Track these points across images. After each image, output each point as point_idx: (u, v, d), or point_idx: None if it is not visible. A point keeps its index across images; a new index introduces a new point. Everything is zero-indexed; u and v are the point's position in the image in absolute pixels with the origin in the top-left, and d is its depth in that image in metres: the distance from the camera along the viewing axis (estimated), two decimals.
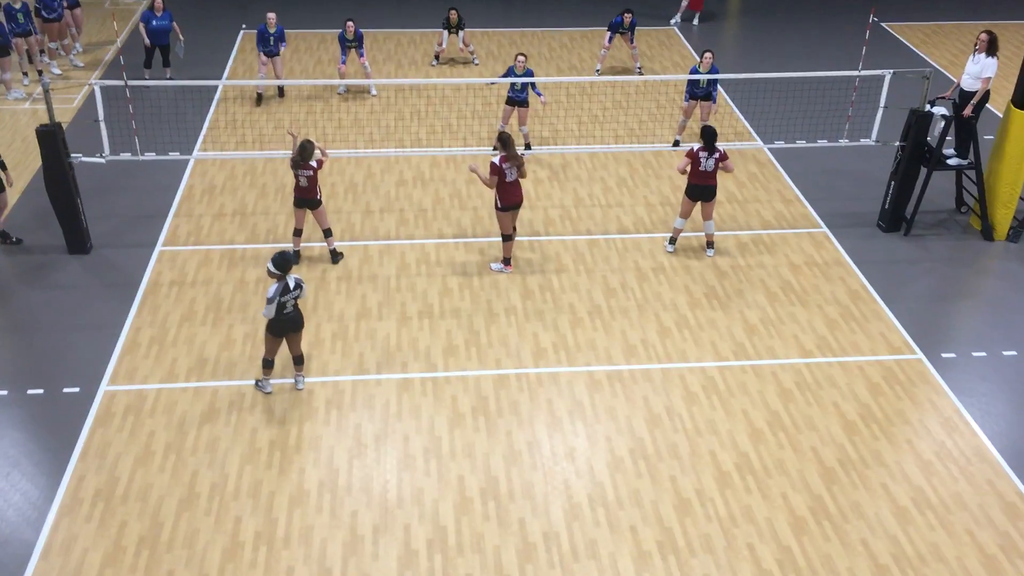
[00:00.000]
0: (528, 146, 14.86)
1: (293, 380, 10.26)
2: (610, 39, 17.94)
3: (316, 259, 12.40)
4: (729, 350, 10.94)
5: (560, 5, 22.48)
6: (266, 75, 16.75)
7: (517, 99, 14.63)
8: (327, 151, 12.17)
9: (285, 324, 9.73)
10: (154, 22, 16.93)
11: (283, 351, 10.10)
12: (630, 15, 17.88)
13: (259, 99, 16.61)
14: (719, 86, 14.89)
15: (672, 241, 12.63)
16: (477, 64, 18.75)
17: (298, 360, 10.10)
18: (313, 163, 11.61)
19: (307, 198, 11.85)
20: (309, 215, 12.20)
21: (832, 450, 9.55)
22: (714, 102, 14.82)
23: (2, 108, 16.55)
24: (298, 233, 12.20)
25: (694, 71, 14.63)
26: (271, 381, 10.20)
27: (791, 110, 15.30)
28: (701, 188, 12.15)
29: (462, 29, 18.50)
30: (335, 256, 12.32)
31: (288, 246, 12.52)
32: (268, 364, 10.03)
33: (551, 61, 19.04)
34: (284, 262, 9.46)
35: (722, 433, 9.75)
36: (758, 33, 21.11)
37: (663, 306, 11.67)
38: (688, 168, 12.08)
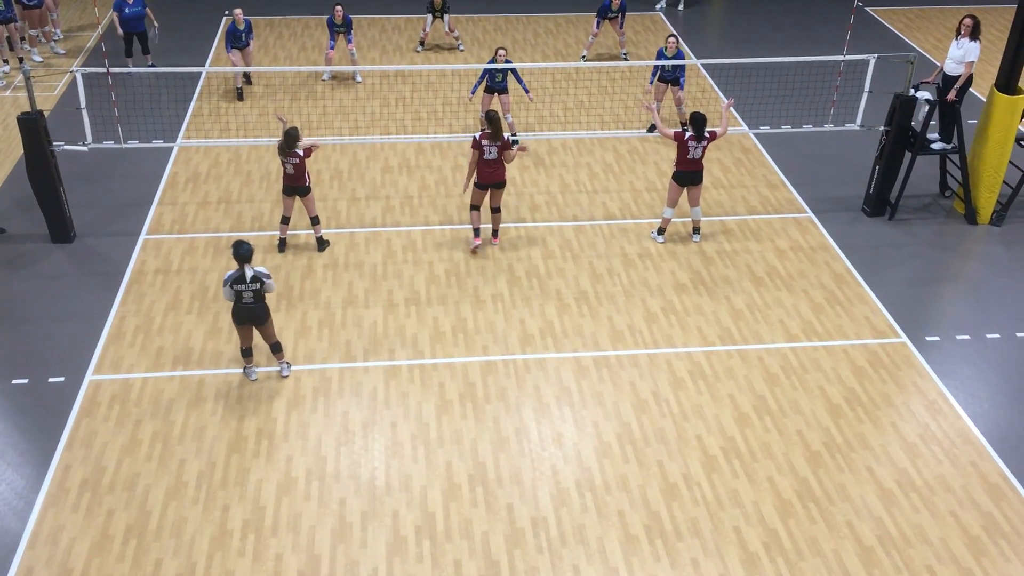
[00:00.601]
0: (513, 135, 14.85)
1: (278, 368, 10.25)
2: (598, 24, 17.82)
3: (302, 247, 12.36)
4: (715, 335, 10.99)
5: None
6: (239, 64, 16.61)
7: (497, 88, 14.59)
8: (319, 142, 12.04)
9: (243, 314, 9.70)
10: (127, 10, 16.60)
11: (261, 339, 10.08)
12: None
13: (240, 94, 16.31)
14: (684, 71, 14.98)
15: (661, 231, 12.62)
16: (462, 50, 18.67)
17: (274, 349, 10.10)
18: (299, 151, 11.54)
19: (295, 185, 11.79)
20: (297, 202, 12.14)
21: (818, 433, 9.62)
22: (681, 88, 14.90)
23: None
24: (285, 221, 12.14)
25: (660, 54, 14.71)
26: (255, 369, 10.18)
27: (776, 95, 15.32)
28: (689, 174, 12.16)
29: (447, 13, 18.38)
30: (321, 244, 12.28)
31: (275, 234, 12.47)
32: (245, 352, 10.03)
33: (536, 47, 18.98)
34: (237, 252, 9.45)
35: (708, 418, 9.80)
36: (743, 18, 21.10)
37: (649, 291, 11.69)
38: (668, 131, 12.12)
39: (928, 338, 11.05)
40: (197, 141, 14.81)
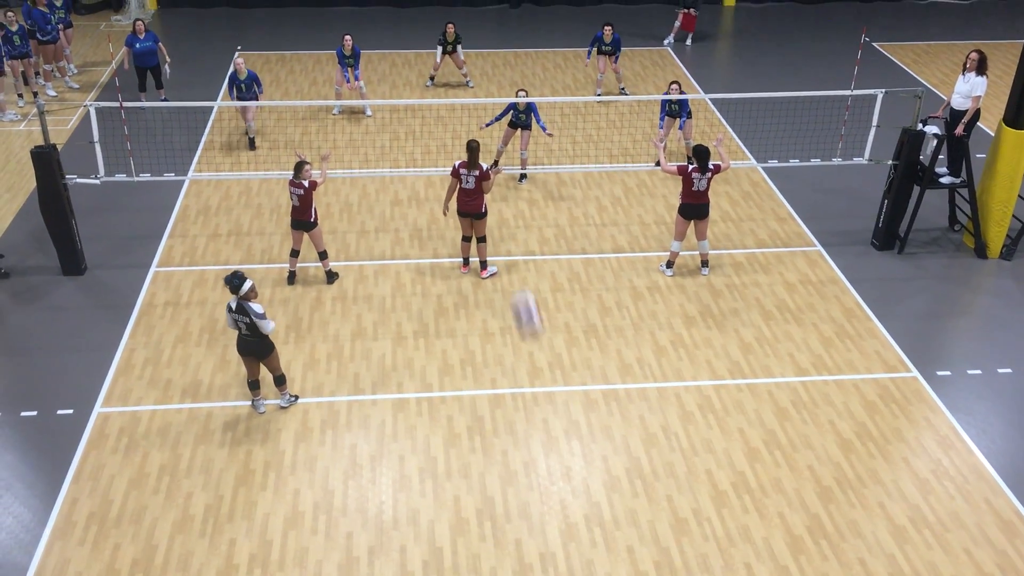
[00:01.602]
0: (524, 174, 14.91)
1: (277, 401, 10.26)
2: (589, 54, 18.08)
3: (311, 279, 12.39)
4: (725, 369, 10.94)
5: (554, 26, 22.62)
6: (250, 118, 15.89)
7: (519, 123, 14.68)
8: (326, 173, 12.13)
9: (242, 346, 9.79)
10: (138, 45, 16.77)
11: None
12: (610, 29, 17.70)
13: (252, 143, 15.81)
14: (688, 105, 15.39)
15: (669, 264, 12.63)
16: (471, 87, 18.81)
17: (277, 381, 10.10)
18: (304, 182, 11.61)
19: (299, 219, 11.86)
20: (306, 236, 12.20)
21: (828, 469, 9.54)
22: (689, 118, 15.05)
23: None
24: (295, 254, 12.19)
25: (664, 100, 14.78)
26: (263, 402, 10.18)
27: (784, 129, 15.37)
28: (695, 207, 12.18)
29: (459, 44, 18.39)
30: (330, 277, 12.31)
31: (285, 266, 12.52)
32: (252, 385, 10.04)
33: (545, 82, 19.13)
34: (226, 281, 9.55)
35: (718, 452, 9.73)
36: (751, 53, 21.25)
37: (658, 325, 11.67)
38: (671, 167, 12.14)
39: (939, 372, 10.99)
40: (208, 175, 14.92)
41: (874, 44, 21.46)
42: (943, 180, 13.39)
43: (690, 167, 12.00)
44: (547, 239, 13.46)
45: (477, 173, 11.81)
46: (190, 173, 15.00)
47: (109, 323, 11.53)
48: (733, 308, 12.03)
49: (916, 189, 13.16)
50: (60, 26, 18.07)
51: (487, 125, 14.86)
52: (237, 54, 16.17)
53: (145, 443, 9.71)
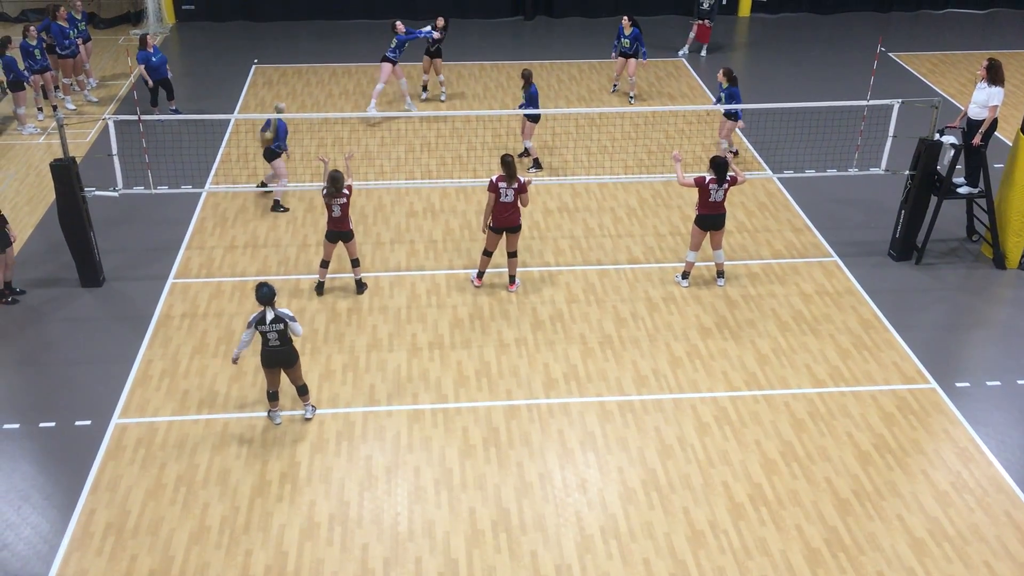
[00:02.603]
0: (534, 161, 15.35)
1: (301, 412, 10.26)
2: (614, 48, 18.46)
3: (328, 289, 12.43)
4: (741, 380, 10.90)
5: (569, 38, 22.66)
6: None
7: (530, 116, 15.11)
8: (351, 175, 12.26)
9: (270, 357, 9.77)
10: (153, 59, 17.11)
11: (288, 383, 10.10)
12: (628, 20, 17.93)
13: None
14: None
15: (685, 275, 12.60)
16: (443, 101, 18.52)
17: (300, 391, 10.14)
18: (346, 191, 11.69)
19: (340, 230, 11.89)
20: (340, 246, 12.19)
21: (846, 481, 9.47)
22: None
23: (17, 143, 16.73)
24: (325, 265, 12.22)
25: (719, 87, 15.43)
26: (280, 413, 10.20)
27: (800, 140, 15.34)
28: (712, 218, 12.15)
29: (442, 40, 17.80)
30: (360, 286, 12.33)
31: (301, 277, 12.56)
32: (271, 396, 10.07)
33: (559, 93, 19.16)
34: (259, 294, 9.56)
35: (735, 464, 9.68)
36: (766, 64, 21.22)
37: (674, 336, 11.64)
38: (688, 179, 12.12)
39: (958, 384, 10.90)
40: (225, 187, 15.01)
41: (890, 54, 21.39)
42: (961, 190, 13.31)
43: (707, 178, 11.98)
44: (562, 250, 13.46)
45: (516, 186, 11.74)
46: (207, 185, 15.10)
47: (127, 334, 11.60)
48: (749, 319, 11.98)
49: (933, 199, 13.09)
50: (79, 40, 18.24)
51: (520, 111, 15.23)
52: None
53: (162, 454, 9.75)
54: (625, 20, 17.96)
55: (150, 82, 17.18)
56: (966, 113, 13.54)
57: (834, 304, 12.32)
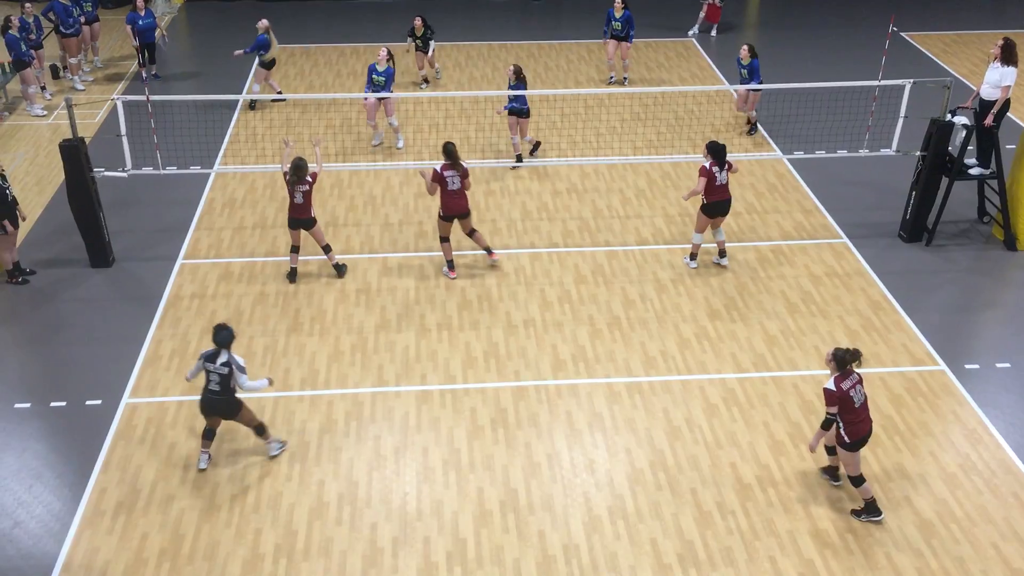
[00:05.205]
0: (519, 157, 14.88)
1: (269, 446, 9.47)
2: (605, 33, 18.01)
3: (334, 273, 12.43)
4: (749, 361, 10.89)
5: (578, 18, 22.52)
6: (261, 89, 17.06)
7: (515, 110, 14.65)
8: (321, 162, 12.18)
9: (207, 403, 8.97)
10: (140, 22, 17.58)
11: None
12: (621, 3, 17.58)
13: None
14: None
15: (693, 256, 12.57)
16: (424, 88, 18.05)
17: (258, 431, 9.31)
18: (309, 178, 11.67)
19: (301, 217, 11.82)
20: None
21: None
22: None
23: (26, 123, 16.75)
24: (295, 250, 12.20)
25: (738, 62, 15.65)
26: (208, 455, 9.30)
27: (810, 121, 15.24)
28: (720, 204, 12.02)
29: (431, 40, 17.54)
30: (339, 270, 12.32)
31: (313, 259, 12.57)
32: (206, 433, 9.25)
33: (568, 73, 19.07)
34: (218, 335, 8.84)
35: (743, 445, 9.69)
36: (776, 44, 21.06)
37: (682, 317, 11.63)
38: (699, 183, 11.85)
39: (967, 366, 10.87)
40: (234, 167, 15.02)
41: (902, 34, 21.21)
42: (972, 171, 13.23)
43: (708, 164, 11.78)
44: (571, 231, 13.44)
45: (461, 172, 11.81)
46: (216, 166, 15.11)
47: (137, 315, 11.65)
48: (758, 301, 11.95)
49: (944, 180, 13.01)
50: (82, 19, 18.21)
51: (502, 111, 14.87)
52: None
53: (172, 433, 9.81)
54: (617, 2, 17.62)
55: (135, 42, 17.58)
56: (978, 93, 13.44)
57: (843, 286, 12.29)
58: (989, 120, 13.01)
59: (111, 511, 8.89)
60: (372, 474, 9.32)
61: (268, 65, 16.90)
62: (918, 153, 12.99)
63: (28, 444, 9.70)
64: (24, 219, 12.33)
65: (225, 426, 9.71)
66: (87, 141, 12.34)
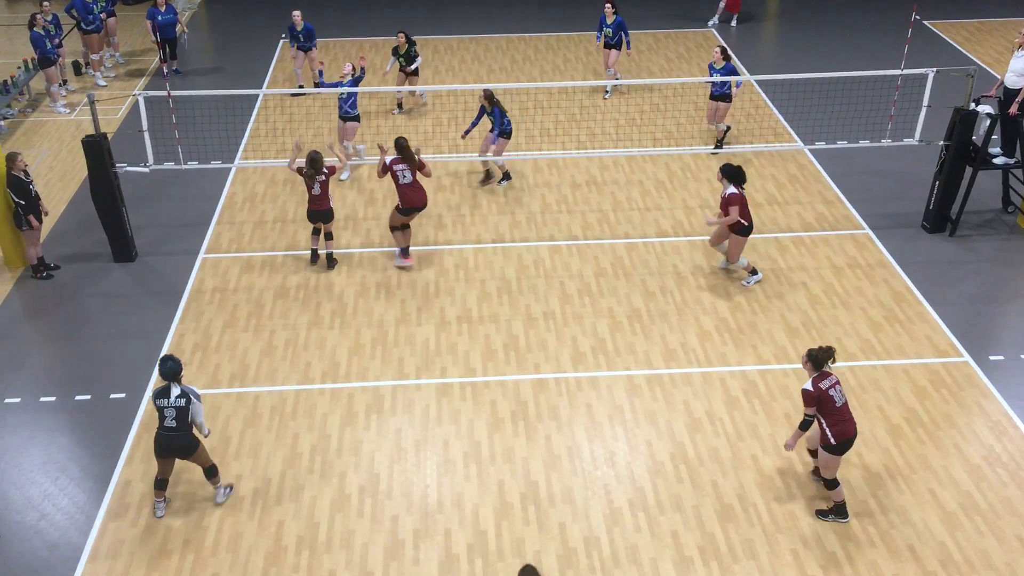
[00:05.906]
0: (507, 175, 14.48)
1: (217, 491, 8.94)
2: (598, 37, 17.10)
3: (356, 264, 12.49)
4: (770, 353, 10.84)
5: (595, 9, 22.40)
6: (300, 67, 17.51)
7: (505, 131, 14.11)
8: (297, 162, 12.13)
9: (163, 443, 8.42)
10: (160, 17, 17.74)
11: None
12: (611, 8, 16.65)
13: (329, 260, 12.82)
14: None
15: (754, 272, 12.00)
16: (424, 103, 17.16)
17: (208, 473, 8.79)
18: (324, 170, 11.84)
19: (320, 209, 11.99)
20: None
21: (877, 455, 9.41)
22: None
23: (49, 119, 16.90)
24: (317, 232, 12.40)
25: (711, 68, 14.84)
26: (164, 504, 8.80)
27: (832, 111, 15.12)
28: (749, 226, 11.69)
29: (416, 57, 16.10)
30: (330, 261, 12.39)
31: (343, 251, 12.63)
32: (158, 484, 8.71)
33: (588, 65, 19.01)
34: (163, 368, 8.36)
35: (764, 437, 9.65)
36: (797, 33, 20.91)
37: (703, 309, 11.58)
38: (729, 216, 11.43)
39: (992, 357, 10.77)
40: (254, 162, 15.09)
41: (925, 22, 20.98)
42: (996, 161, 13.08)
43: (736, 192, 11.36)
44: (590, 223, 13.41)
45: (414, 167, 11.91)
46: (236, 160, 15.18)
47: (159, 309, 11.74)
48: (779, 292, 11.89)
49: (968, 170, 12.88)
50: (103, 15, 18.34)
51: (465, 134, 14.31)
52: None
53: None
54: (608, 8, 16.72)
55: (154, 38, 17.80)
56: (1003, 82, 13.29)
57: (866, 277, 12.20)
58: (1014, 109, 12.87)
59: (136, 504, 8.98)
60: (393, 467, 9.36)
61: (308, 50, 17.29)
62: (941, 143, 12.86)
63: (54, 437, 9.81)
64: (47, 214, 12.45)
65: (247, 421, 9.78)
66: (109, 137, 12.44)
